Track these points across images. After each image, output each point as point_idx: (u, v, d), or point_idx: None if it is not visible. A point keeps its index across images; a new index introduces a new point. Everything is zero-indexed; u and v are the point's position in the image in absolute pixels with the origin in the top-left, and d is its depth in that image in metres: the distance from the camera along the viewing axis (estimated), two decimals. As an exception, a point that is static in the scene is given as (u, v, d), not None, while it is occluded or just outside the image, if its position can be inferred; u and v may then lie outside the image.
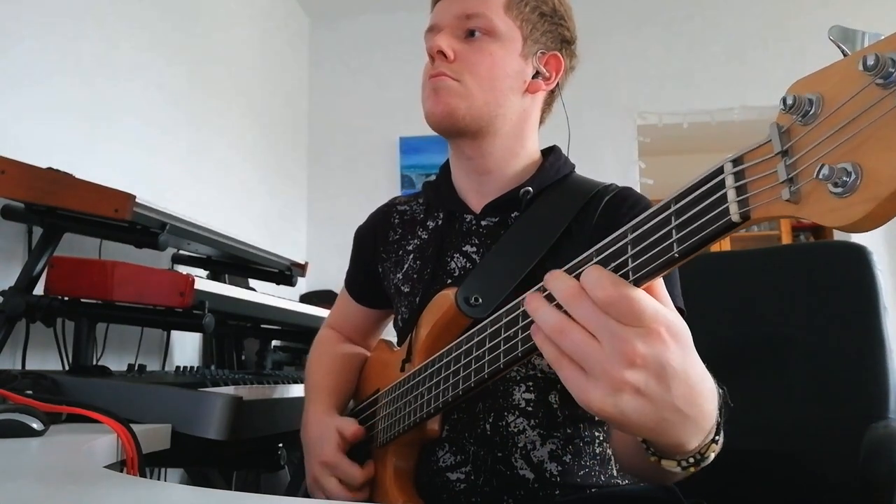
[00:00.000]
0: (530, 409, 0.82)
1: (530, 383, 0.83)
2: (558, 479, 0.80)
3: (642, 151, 3.45)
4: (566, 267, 0.54)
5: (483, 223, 0.92)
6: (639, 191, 0.89)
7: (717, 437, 0.55)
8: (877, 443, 0.98)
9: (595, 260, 0.52)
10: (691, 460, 0.55)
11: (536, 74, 0.91)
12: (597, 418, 0.82)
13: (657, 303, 0.48)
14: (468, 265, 0.90)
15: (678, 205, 0.47)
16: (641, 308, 0.47)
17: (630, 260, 0.49)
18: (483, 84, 0.87)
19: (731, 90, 3.33)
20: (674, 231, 0.47)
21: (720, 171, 0.45)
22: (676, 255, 0.47)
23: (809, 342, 1.14)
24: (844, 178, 0.37)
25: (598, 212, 0.84)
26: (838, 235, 3.50)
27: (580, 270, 0.51)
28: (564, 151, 0.98)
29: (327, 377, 0.98)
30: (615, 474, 0.83)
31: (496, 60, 0.88)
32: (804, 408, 1.12)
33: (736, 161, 0.44)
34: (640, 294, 0.48)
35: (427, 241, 0.96)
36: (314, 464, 0.86)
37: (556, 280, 0.51)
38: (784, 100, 0.41)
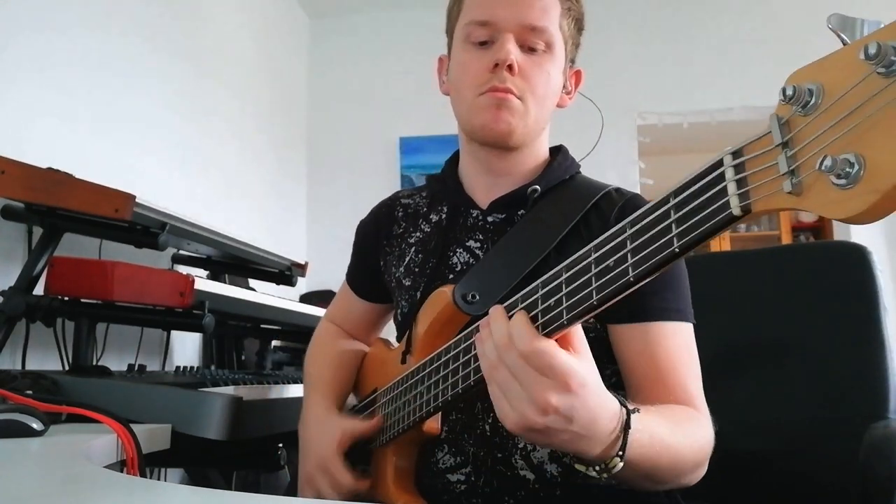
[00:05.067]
0: (530, 409, 0.82)
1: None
2: (559, 479, 0.80)
3: (642, 151, 3.45)
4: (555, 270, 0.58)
5: (489, 219, 0.91)
6: (638, 191, 0.89)
7: (620, 452, 0.60)
8: (877, 443, 0.98)
9: (593, 256, 0.54)
10: (597, 468, 0.62)
11: (562, 87, 0.92)
12: None
13: (569, 357, 0.56)
14: (471, 260, 0.89)
15: (677, 199, 0.47)
16: (553, 363, 0.55)
17: (630, 255, 0.50)
18: (539, 103, 0.86)
19: (731, 90, 3.32)
20: (673, 225, 0.47)
21: (720, 163, 0.45)
22: (677, 249, 0.47)
23: (810, 342, 1.14)
24: (847, 170, 0.36)
25: (613, 215, 0.83)
26: (838, 235, 3.50)
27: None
28: (583, 153, 0.98)
29: (327, 372, 0.98)
30: (615, 475, 0.84)
31: (550, 79, 0.87)
32: (804, 408, 1.12)
33: (736, 154, 0.44)
34: (554, 349, 0.55)
35: (429, 235, 0.96)
36: (310, 463, 0.86)
37: (494, 323, 0.60)
38: (784, 90, 0.40)
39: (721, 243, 4.93)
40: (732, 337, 1.20)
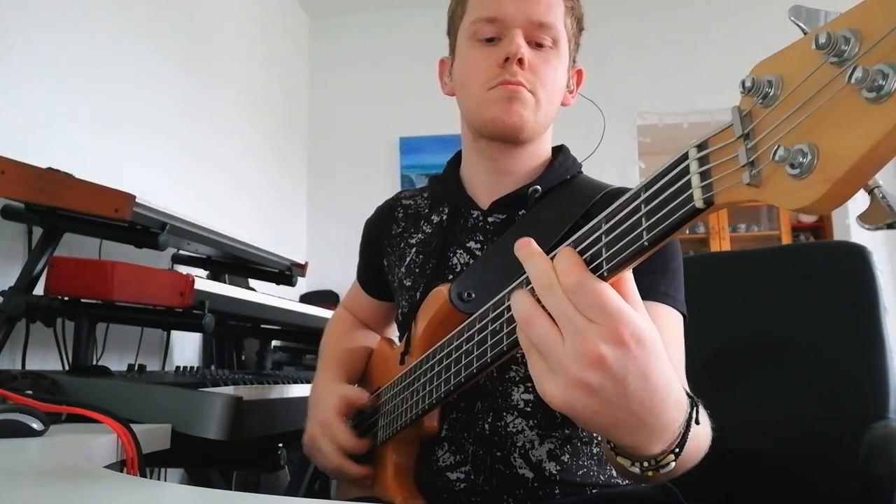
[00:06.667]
0: (529, 409, 0.82)
1: (529, 384, 0.82)
2: (557, 477, 0.80)
3: (642, 151, 3.46)
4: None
5: (490, 220, 0.91)
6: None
7: (677, 450, 0.52)
8: (877, 443, 0.98)
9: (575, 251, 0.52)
10: (645, 465, 0.53)
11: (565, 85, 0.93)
12: None
13: (623, 302, 0.47)
14: (470, 261, 0.90)
15: (648, 192, 0.47)
16: (605, 303, 0.46)
17: (604, 249, 0.49)
18: (548, 98, 0.87)
19: (731, 90, 3.29)
20: (643, 219, 0.46)
21: (685, 156, 0.45)
22: (646, 243, 0.46)
23: (809, 342, 1.14)
24: (801, 160, 0.36)
25: None
26: (838, 235, 3.50)
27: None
28: (583, 153, 0.98)
29: (341, 351, 1.02)
30: (614, 474, 0.83)
31: (558, 75, 0.88)
32: (804, 408, 1.12)
33: (700, 146, 0.44)
34: (606, 289, 0.47)
35: (430, 236, 0.96)
36: (313, 425, 0.89)
37: (533, 261, 0.50)
38: (743, 82, 0.40)
39: (721, 243, 4.93)
40: (732, 337, 1.20)
